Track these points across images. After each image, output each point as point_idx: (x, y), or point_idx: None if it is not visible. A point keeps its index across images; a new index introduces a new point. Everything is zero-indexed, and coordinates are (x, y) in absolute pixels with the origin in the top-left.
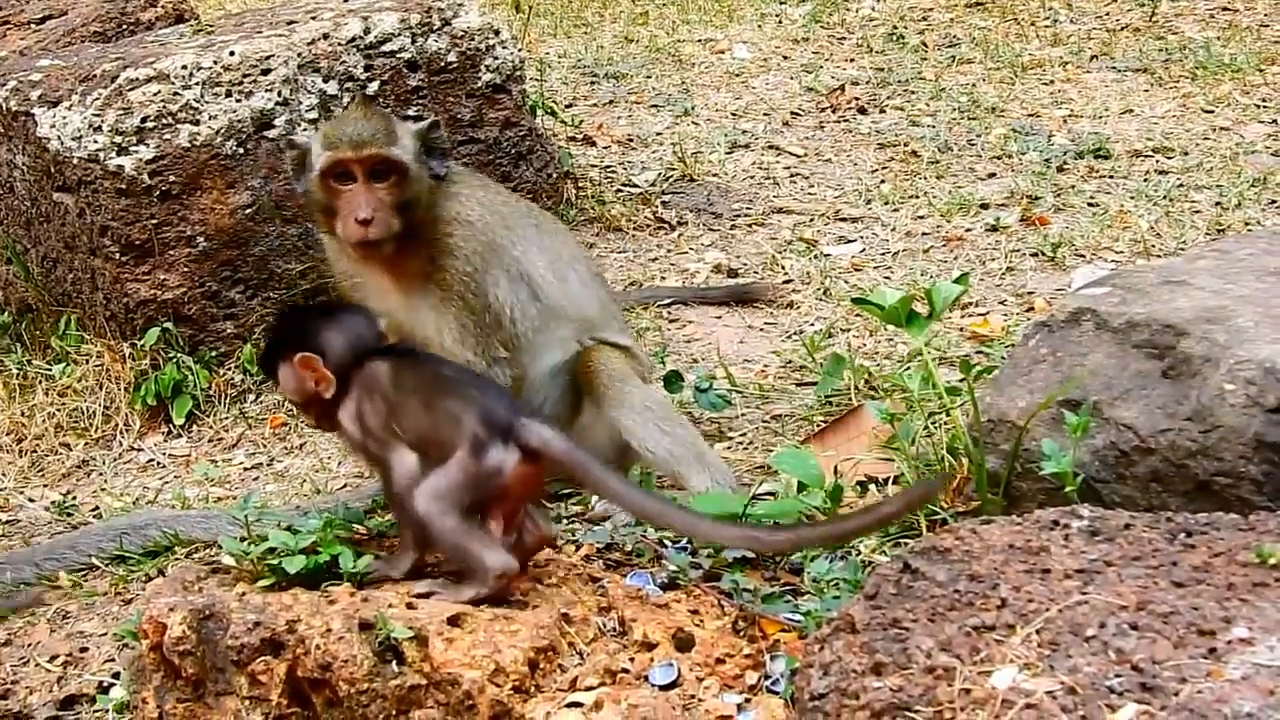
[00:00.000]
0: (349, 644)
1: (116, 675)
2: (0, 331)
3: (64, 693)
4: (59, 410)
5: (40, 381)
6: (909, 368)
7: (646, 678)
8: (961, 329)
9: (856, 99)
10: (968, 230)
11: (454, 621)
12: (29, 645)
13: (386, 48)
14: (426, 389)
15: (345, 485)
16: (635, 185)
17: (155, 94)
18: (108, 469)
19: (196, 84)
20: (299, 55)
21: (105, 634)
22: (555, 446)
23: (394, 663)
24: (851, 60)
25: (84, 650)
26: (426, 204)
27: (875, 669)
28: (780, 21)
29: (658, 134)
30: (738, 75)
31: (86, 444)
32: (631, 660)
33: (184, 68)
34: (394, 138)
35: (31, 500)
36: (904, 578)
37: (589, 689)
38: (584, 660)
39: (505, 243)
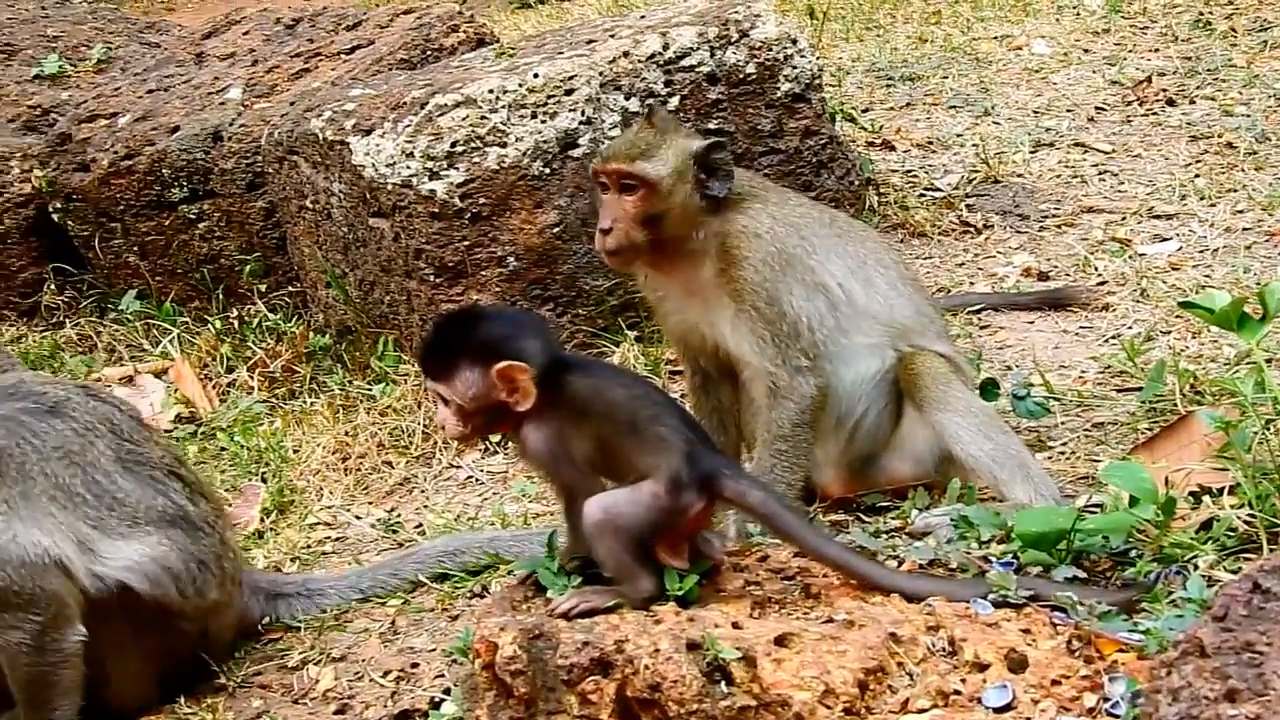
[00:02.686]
0: (677, 664)
1: (447, 691)
2: (322, 353)
3: (398, 707)
4: (380, 429)
5: (361, 401)
6: (1239, 371)
7: (980, 699)
8: None
9: (1164, 90)
10: None
11: (781, 641)
12: (363, 660)
13: (686, 62)
14: (634, 412)
15: None
16: (938, 189)
17: (464, 119)
18: (429, 486)
19: (503, 107)
20: (600, 74)
21: (435, 650)
22: (750, 497)
23: (722, 683)
24: (1156, 50)
25: (415, 666)
26: (690, 220)
27: (1229, 695)
28: (1078, 13)
29: (958, 135)
30: (1037, 71)
31: (408, 462)
32: (963, 681)
33: (490, 91)
34: (648, 153)
35: (358, 517)
36: (1254, 598)
37: (921, 711)
38: (914, 681)
39: (798, 252)
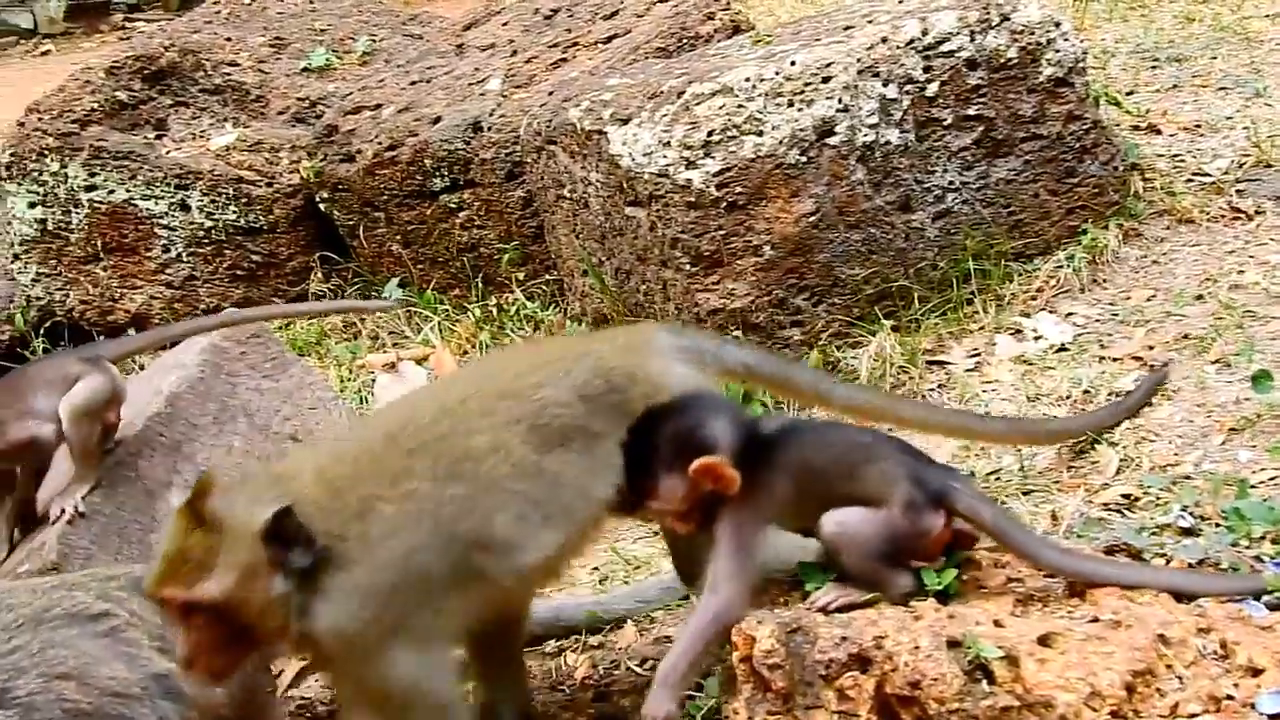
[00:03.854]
0: (937, 662)
1: (699, 685)
2: None
3: None
4: None
5: None
6: None
7: (1253, 705)
8: None
9: None
10: None
11: (1044, 641)
12: (620, 649)
13: (945, 47)
14: (849, 465)
15: None
16: (1206, 174)
17: (720, 107)
18: None
19: (759, 95)
20: (858, 61)
21: None
22: (982, 514)
23: (984, 682)
24: None
25: None
26: (282, 607)
27: None
28: None
29: (1227, 118)
30: None
31: None
32: (1235, 686)
33: (746, 80)
34: (203, 566)
35: None
36: None
37: (1191, 716)
38: (1184, 685)
39: (396, 618)
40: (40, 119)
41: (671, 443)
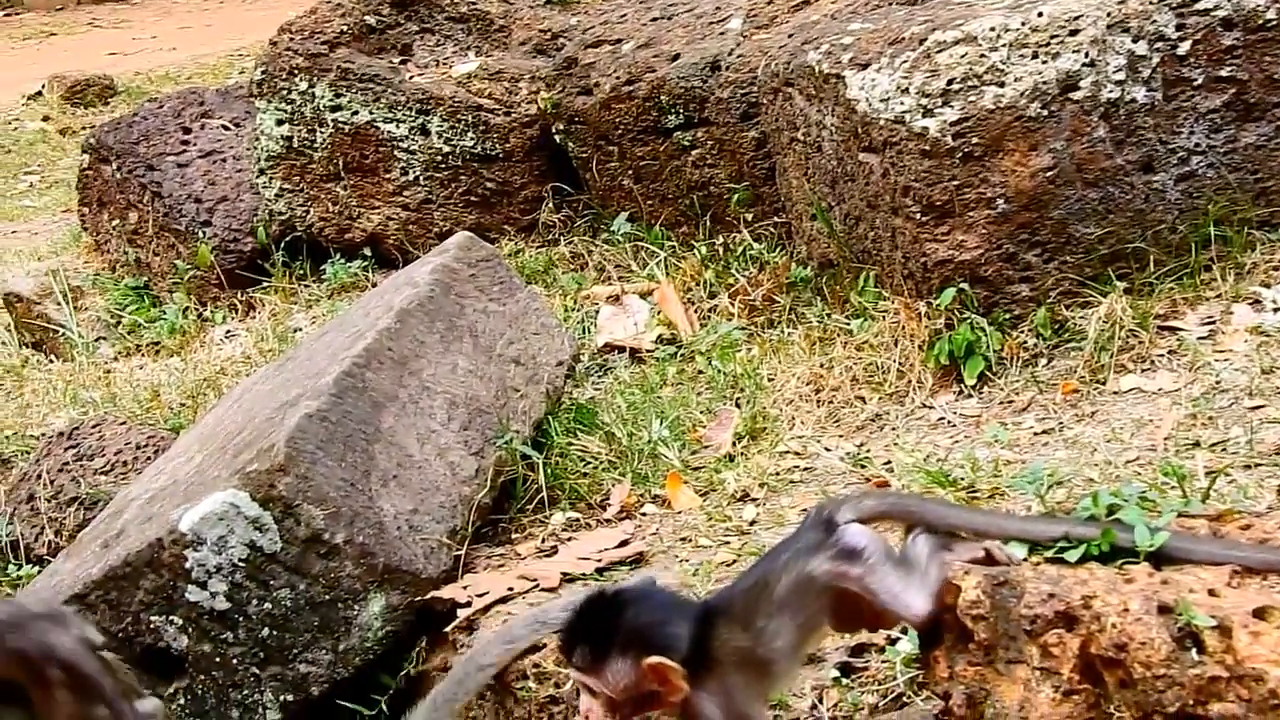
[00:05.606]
0: (1146, 626)
1: (905, 630)
2: (803, 285)
3: (854, 641)
4: (855, 364)
5: (838, 335)
6: None
7: None
8: None
9: None
10: None
11: (1260, 614)
12: None
13: (1200, 5)
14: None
15: (1137, 458)
16: None
17: (962, 56)
18: (899, 424)
19: (1003, 46)
20: (1108, 15)
21: None
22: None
23: (1193, 651)
24: None
25: None
26: None
27: None
28: None
29: None
30: None
31: (880, 398)
32: None
33: (991, 29)
34: None
35: (828, 449)
36: None
37: None
38: None
39: None
40: (292, 39)
41: (635, 629)
